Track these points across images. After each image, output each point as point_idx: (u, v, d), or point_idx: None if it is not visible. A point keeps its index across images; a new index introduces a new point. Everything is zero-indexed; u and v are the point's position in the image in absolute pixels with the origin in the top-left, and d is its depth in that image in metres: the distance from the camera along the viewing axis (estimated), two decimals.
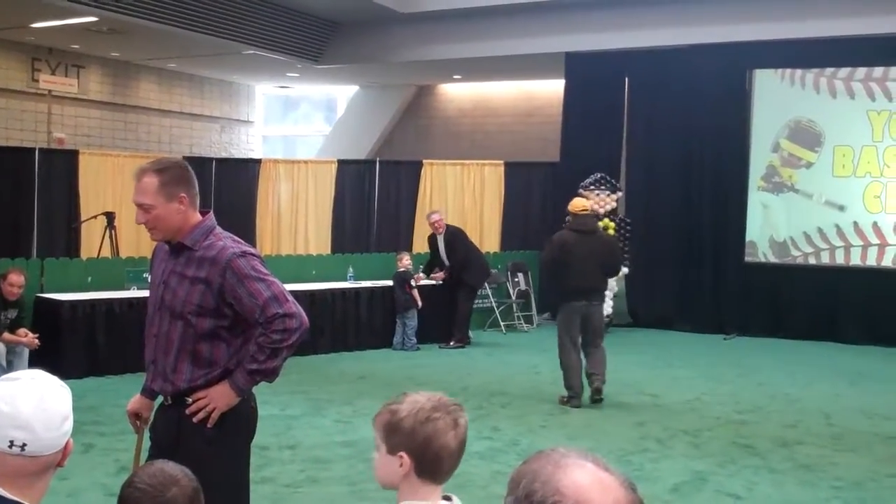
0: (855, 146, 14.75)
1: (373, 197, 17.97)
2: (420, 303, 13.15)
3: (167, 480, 2.41)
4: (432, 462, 2.33)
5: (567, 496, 1.45)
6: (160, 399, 3.88)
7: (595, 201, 15.38)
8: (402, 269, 13.32)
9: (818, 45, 14.63)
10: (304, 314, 3.68)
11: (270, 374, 3.69)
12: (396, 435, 2.34)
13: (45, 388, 2.13)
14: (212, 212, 3.86)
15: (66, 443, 2.15)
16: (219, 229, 3.83)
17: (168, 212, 3.72)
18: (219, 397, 3.67)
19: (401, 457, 2.33)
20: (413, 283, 13.26)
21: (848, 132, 14.79)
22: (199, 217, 3.82)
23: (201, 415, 3.66)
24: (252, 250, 3.77)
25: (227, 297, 3.65)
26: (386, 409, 2.39)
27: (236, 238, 3.82)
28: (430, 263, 13.89)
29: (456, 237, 13.68)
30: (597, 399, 9.63)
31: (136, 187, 3.74)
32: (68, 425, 2.14)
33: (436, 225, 13.79)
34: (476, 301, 14.25)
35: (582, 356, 9.71)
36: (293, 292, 11.82)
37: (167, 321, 3.75)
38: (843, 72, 14.84)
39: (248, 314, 3.65)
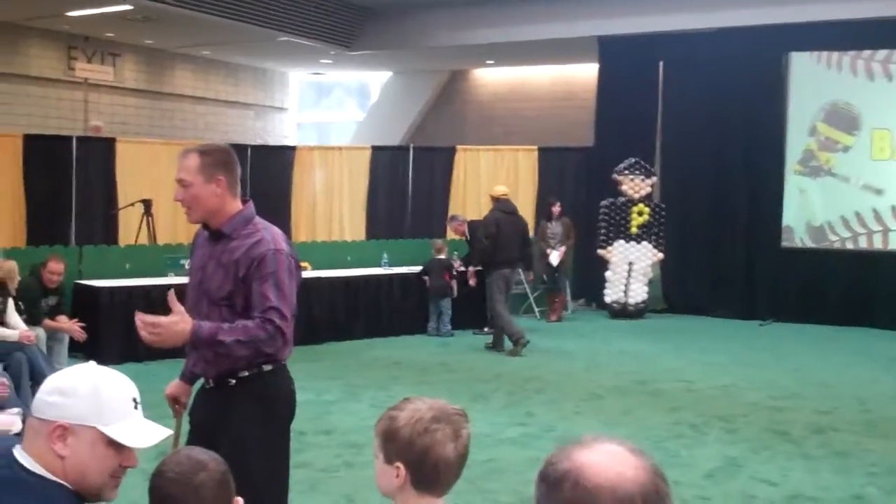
0: (893, 129, 14.62)
1: (407, 183, 18.01)
2: (456, 291, 13.21)
3: (195, 466, 2.43)
4: (429, 474, 2.23)
5: (574, 461, 1.51)
6: (199, 383, 3.97)
7: (629, 186, 15.37)
8: (442, 258, 13.37)
9: (855, 26, 14.50)
10: (291, 336, 3.76)
11: (227, 353, 3.67)
12: (393, 444, 2.26)
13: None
14: (251, 201, 3.93)
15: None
16: (258, 219, 3.89)
17: (205, 192, 3.80)
18: (170, 336, 3.57)
19: (397, 467, 2.25)
20: (454, 271, 13.34)
21: (886, 115, 14.66)
22: (239, 205, 3.89)
23: (143, 333, 3.55)
24: (285, 247, 3.81)
25: (245, 284, 3.72)
26: (386, 415, 2.31)
27: (274, 229, 3.88)
28: (468, 256, 13.99)
29: (475, 231, 13.72)
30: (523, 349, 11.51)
31: (179, 164, 3.85)
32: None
33: (458, 230, 13.92)
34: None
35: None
36: (328, 279, 11.81)
37: (205, 306, 3.82)
38: (881, 54, 14.70)
39: (252, 306, 3.72)
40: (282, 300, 3.71)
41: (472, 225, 13.75)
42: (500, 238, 11.67)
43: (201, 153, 3.84)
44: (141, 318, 3.55)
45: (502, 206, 11.97)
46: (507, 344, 11.95)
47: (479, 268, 12.47)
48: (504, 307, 11.80)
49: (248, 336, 3.66)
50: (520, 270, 12.88)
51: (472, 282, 12.72)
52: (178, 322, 3.59)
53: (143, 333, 3.56)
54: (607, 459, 1.51)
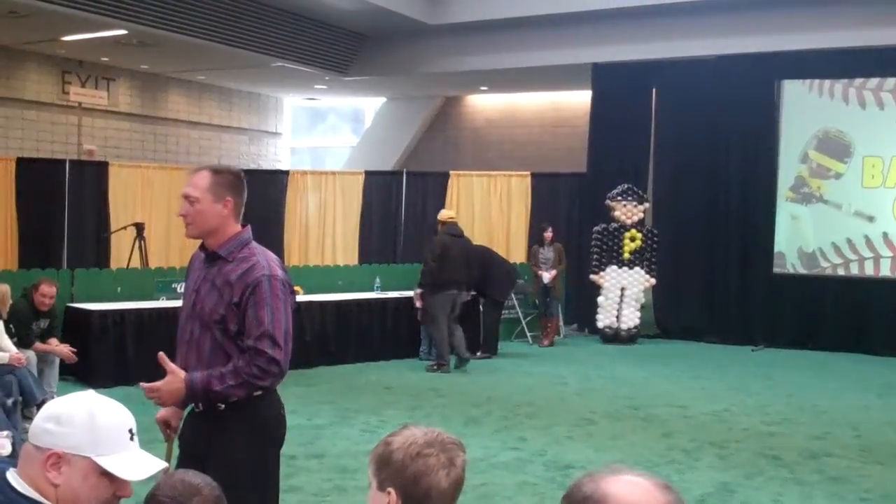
0: (885, 156, 14.67)
1: (400, 208, 18.02)
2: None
3: (189, 490, 2.41)
4: (420, 501, 2.17)
5: (599, 487, 1.49)
6: (190, 407, 3.93)
7: (622, 212, 15.37)
8: None
9: (847, 55, 14.58)
10: (286, 364, 3.72)
11: (224, 401, 3.71)
12: (386, 469, 2.20)
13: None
14: (249, 227, 3.93)
15: None
16: (254, 244, 3.89)
17: (211, 210, 3.80)
18: (168, 396, 3.76)
19: (388, 493, 2.18)
20: None
21: (877, 142, 14.71)
22: (238, 228, 3.89)
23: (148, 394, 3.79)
24: (279, 273, 3.80)
25: (239, 309, 3.72)
26: (381, 441, 2.28)
27: (269, 254, 3.87)
28: None
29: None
30: (462, 367, 12.15)
31: (189, 180, 3.86)
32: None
33: None
34: (504, 312, 14.24)
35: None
36: (320, 303, 11.76)
37: (198, 329, 3.80)
38: (873, 82, 14.77)
39: (245, 332, 3.71)
40: (276, 326, 3.69)
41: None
42: (446, 260, 12.08)
43: (214, 172, 3.86)
44: (143, 387, 3.79)
45: (449, 230, 12.45)
46: (478, 354, 11.96)
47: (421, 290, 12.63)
48: (444, 327, 12.19)
49: (238, 379, 3.66)
50: (516, 293, 13.00)
51: (417, 304, 12.80)
52: (173, 381, 3.73)
53: (150, 396, 3.81)
54: (632, 490, 1.50)
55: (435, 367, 12.22)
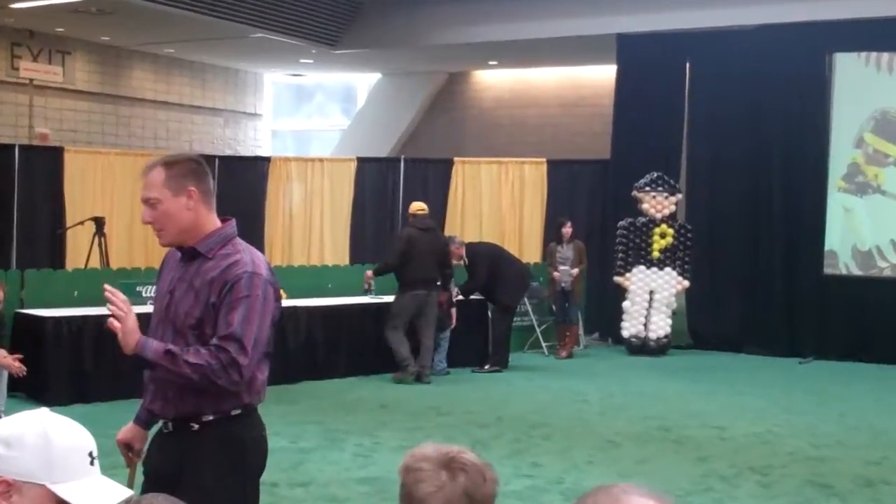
0: None
1: (397, 200, 18.04)
2: (454, 321, 13.21)
3: None
4: None
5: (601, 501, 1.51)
6: (157, 428, 3.94)
7: (651, 204, 15.38)
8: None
9: None
10: (248, 373, 3.72)
11: (175, 375, 3.71)
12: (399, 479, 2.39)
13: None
14: (233, 220, 3.95)
15: None
16: (239, 240, 3.91)
17: (175, 207, 3.81)
18: (130, 333, 3.70)
19: None
20: (452, 298, 13.32)
21: None
22: (217, 222, 3.91)
23: (111, 307, 3.75)
24: (264, 273, 3.82)
25: (214, 309, 3.73)
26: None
27: (256, 252, 3.89)
28: (465, 284, 14.00)
29: (474, 256, 13.71)
30: (422, 381, 12.35)
31: (143, 182, 3.87)
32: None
33: (455, 255, 13.88)
34: (515, 319, 14.26)
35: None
36: (306, 309, 11.76)
37: (170, 336, 3.81)
38: None
39: (215, 329, 3.72)
40: (246, 331, 3.70)
41: (472, 255, 13.74)
42: (412, 256, 12.30)
43: (166, 165, 3.86)
44: (111, 291, 3.72)
45: (417, 222, 12.68)
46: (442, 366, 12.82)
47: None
48: (400, 331, 12.40)
49: (198, 359, 3.68)
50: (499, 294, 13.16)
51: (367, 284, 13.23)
52: (131, 326, 3.73)
53: (111, 308, 3.73)
54: None
55: (400, 377, 12.38)
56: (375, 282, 13.84)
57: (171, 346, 3.70)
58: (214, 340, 3.69)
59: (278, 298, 3.89)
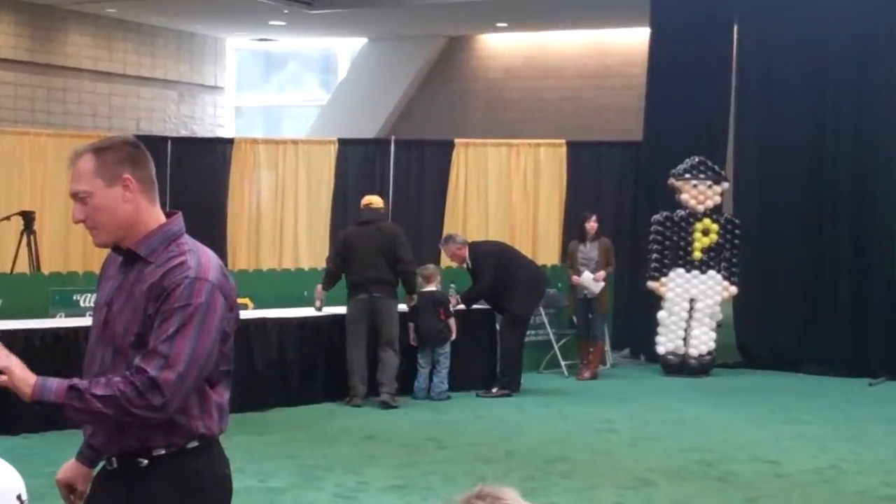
0: None
1: (386, 189, 18.01)
2: (454, 334, 13.23)
3: None
4: None
5: None
6: (101, 466, 3.94)
7: (691, 195, 15.38)
8: (433, 289, 13.38)
9: None
10: (176, 399, 3.65)
11: (87, 414, 3.67)
12: None
13: None
14: (179, 214, 3.92)
15: None
16: (187, 238, 3.86)
17: (110, 200, 3.77)
18: (21, 381, 3.63)
19: None
20: (451, 306, 13.34)
21: None
22: (160, 217, 3.88)
23: None
24: (212, 278, 3.76)
25: (152, 323, 3.71)
26: None
27: (206, 253, 3.83)
28: (470, 291, 14.01)
29: (479, 257, 13.71)
30: (385, 407, 12.43)
31: (71, 174, 3.82)
32: None
33: (456, 256, 13.88)
34: (528, 333, 14.27)
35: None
36: (277, 321, 11.68)
37: (110, 357, 3.79)
38: None
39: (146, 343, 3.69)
40: (176, 345, 3.65)
41: (477, 256, 13.73)
42: (350, 256, 12.66)
43: (96, 152, 3.81)
44: None
45: (358, 217, 13.29)
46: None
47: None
48: (352, 348, 12.56)
49: (107, 389, 3.61)
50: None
51: (411, 331, 13.16)
52: (17, 364, 3.65)
53: None
54: None
55: (348, 399, 12.61)
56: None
57: (75, 381, 3.62)
58: (136, 360, 3.66)
59: (234, 307, 3.87)
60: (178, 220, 3.90)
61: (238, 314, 3.93)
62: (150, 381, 3.60)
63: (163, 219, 3.87)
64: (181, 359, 3.64)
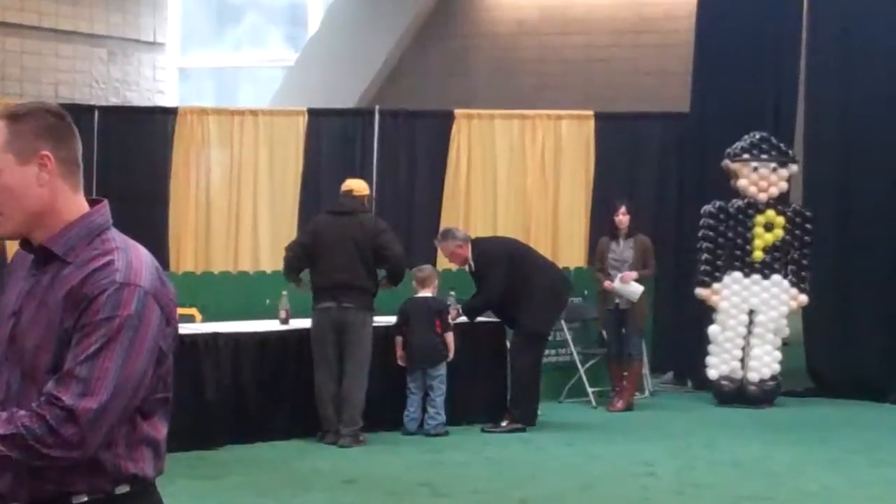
0: None
1: (369, 171, 18.00)
2: (452, 352, 13.21)
3: None
4: None
5: None
6: None
7: (751, 180, 15.37)
8: (427, 295, 13.36)
9: None
10: (97, 433, 3.60)
11: None
12: None
13: None
14: (105, 203, 3.89)
15: None
16: (114, 233, 3.84)
17: (21, 180, 3.74)
18: None
19: None
20: (450, 318, 13.33)
21: None
22: (83, 205, 3.86)
23: None
24: (146, 283, 3.73)
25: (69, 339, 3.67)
26: None
27: (137, 251, 3.81)
28: (473, 300, 13.99)
29: (485, 258, 13.68)
30: (343, 445, 12.43)
31: None
32: None
33: (455, 256, 13.84)
34: (546, 353, 14.27)
35: None
36: (233, 337, 11.68)
37: (18, 380, 3.78)
38: None
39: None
40: (97, 367, 3.62)
41: (482, 256, 13.70)
42: (319, 254, 12.75)
43: (9, 119, 3.79)
44: None
45: (334, 205, 13.35)
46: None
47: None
48: (322, 367, 12.63)
49: (9, 427, 3.57)
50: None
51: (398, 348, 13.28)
52: None
53: None
54: None
55: (320, 436, 12.69)
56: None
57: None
58: (47, 387, 3.62)
59: (173, 320, 3.85)
60: (104, 210, 3.86)
61: (177, 328, 3.90)
62: (65, 412, 3.53)
63: (85, 208, 3.83)
64: (104, 384, 3.58)
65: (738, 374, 15.34)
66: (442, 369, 13.20)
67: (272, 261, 17.35)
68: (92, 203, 3.84)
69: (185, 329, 11.95)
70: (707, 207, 15.56)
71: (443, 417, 13.18)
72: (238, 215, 18.42)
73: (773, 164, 15.46)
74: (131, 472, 3.75)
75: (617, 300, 14.72)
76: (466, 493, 10.75)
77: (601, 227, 15.79)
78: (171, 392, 3.82)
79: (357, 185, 13.34)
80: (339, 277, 12.45)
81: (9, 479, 3.79)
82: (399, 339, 13.20)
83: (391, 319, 13.43)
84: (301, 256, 12.76)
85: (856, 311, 15.92)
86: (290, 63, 23.22)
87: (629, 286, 14.57)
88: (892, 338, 15.78)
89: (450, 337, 13.21)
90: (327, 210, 13.28)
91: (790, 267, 15.43)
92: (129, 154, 17.96)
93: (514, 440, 13.03)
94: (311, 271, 12.71)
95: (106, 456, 3.68)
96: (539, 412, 13.77)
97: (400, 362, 13.14)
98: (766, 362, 15.33)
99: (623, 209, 14.89)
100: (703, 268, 15.49)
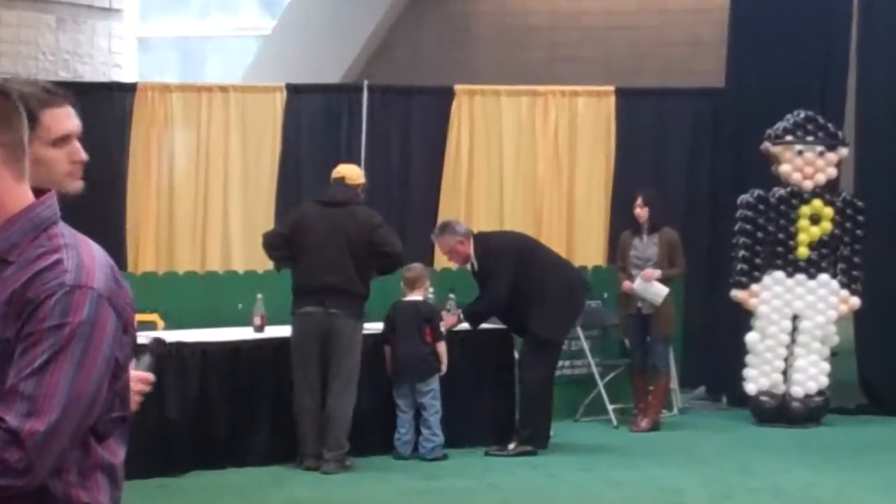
0: None
1: (356, 156, 18.02)
2: (445, 364, 13.19)
3: None
4: None
5: None
6: None
7: (795, 166, 15.37)
8: (416, 299, 13.36)
9: None
10: (41, 468, 3.61)
11: None
12: None
13: None
14: (53, 193, 3.89)
15: None
16: (61, 227, 3.83)
17: None
18: None
19: None
20: (442, 326, 13.32)
21: None
22: (28, 196, 3.85)
23: None
24: (99, 284, 3.72)
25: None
26: None
27: (87, 247, 3.81)
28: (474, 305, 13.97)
29: (490, 256, 13.67)
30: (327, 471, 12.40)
31: None
32: None
33: (455, 253, 13.82)
34: (559, 364, 14.27)
35: None
36: (200, 347, 11.66)
37: None
38: None
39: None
40: (49, 385, 3.61)
41: (487, 254, 13.68)
42: (303, 247, 12.79)
43: None
44: None
45: (322, 194, 13.35)
46: None
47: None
48: (300, 393, 12.65)
49: None
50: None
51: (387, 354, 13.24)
52: None
53: None
54: None
55: (299, 461, 12.72)
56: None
57: None
58: None
59: (131, 327, 3.84)
60: (51, 201, 3.84)
61: (135, 336, 3.89)
62: (9, 434, 3.49)
63: (30, 200, 3.83)
64: (53, 402, 3.54)
65: (780, 389, 15.35)
66: (433, 384, 13.17)
67: (245, 259, 17.40)
68: (37, 194, 3.83)
69: (145, 338, 11.99)
70: (744, 197, 15.56)
71: (440, 439, 13.16)
72: (206, 207, 18.42)
73: (819, 148, 15.47)
74: (83, 502, 3.74)
75: (639, 304, 14.72)
76: None
77: (623, 221, 15.79)
78: (129, 410, 3.80)
79: (351, 173, 13.38)
80: (326, 279, 12.37)
81: None
82: (388, 350, 13.20)
83: (379, 326, 13.45)
84: (280, 246, 12.85)
85: None
86: (266, 32, 23.25)
87: (651, 286, 14.56)
88: None
89: (441, 347, 13.18)
90: (315, 199, 13.18)
91: (840, 265, 15.43)
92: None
93: (523, 465, 13.04)
94: (293, 270, 12.70)
95: (55, 484, 3.63)
96: (551, 433, 13.79)
97: (389, 375, 13.14)
98: (811, 375, 15.34)
99: (639, 201, 14.86)
100: (739, 266, 15.49)
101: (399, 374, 13.19)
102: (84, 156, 4.31)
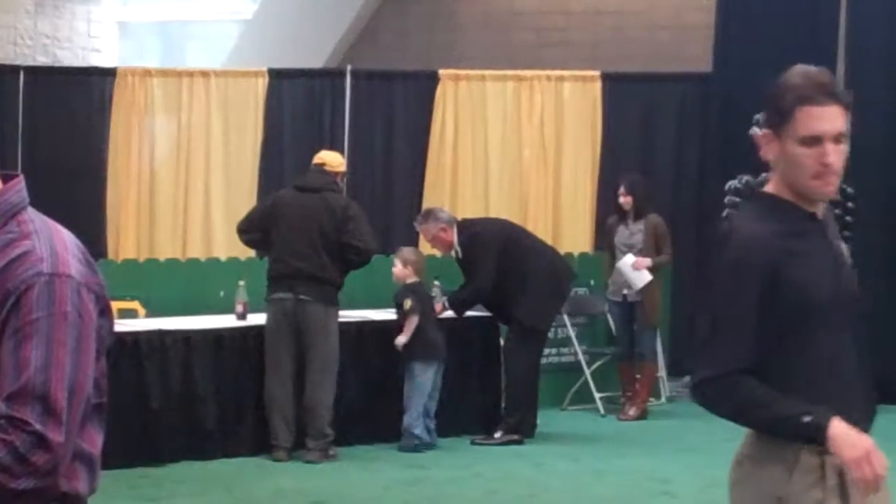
0: None
1: (339, 142, 18.00)
2: (406, 336, 13.17)
3: None
4: None
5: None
6: None
7: None
8: (408, 280, 13.33)
9: None
10: (66, 456, 3.58)
11: None
12: None
13: None
14: (21, 178, 3.86)
15: None
16: (30, 213, 3.81)
17: None
18: None
19: None
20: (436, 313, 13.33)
21: None
22: None
23: None
24: (75, 271, 3.70)
25: None
26: None
27: (59, 234, 3.78)
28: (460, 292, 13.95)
29: (474, 243, 13.66)
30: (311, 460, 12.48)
31: None
32: None
33: (438, 240, 13.81)
34: (546, 352, 14.27)
35: None
36: (183, 335, 11.66)
37: None
38: None
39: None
40: (53, 377, 3.60)
41: (471, 243, 13.66)
42: (276, 232, 12.85)
43: None
44: None
45: (298, 179, 13.54)
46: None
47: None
48: (272, 382, 12.68)
49: None
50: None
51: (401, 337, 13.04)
52: None
53: None
54: None
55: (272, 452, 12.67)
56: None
57: None
58: (3, 406, 3.58)
59: (108, 309, 3.82)
60: (20, 187, 3.81)
61: (111, 323, 3.87)
62: (36, 437, 3.46)
63: None
64: (62, 396, 3.53)
65: None
66: (428, 372, 13.17)
67: (227, 246, 17.37)
68: (5, 179, 3.79)
69: (126, 326, 11.97)
70: (732, 183, 15.57)
71: (426, 429, 13.14)
72: (187, 193, 18.41)
73: None
74: (61, 491, 3.71)
75: (625, 291, 14.71)
76: None
77: (609, 207, 15.78)
78: (105, 397, 3.77)
79: (331, 159, 13.41)
80: (297, 265, 12.46)
81: None
82: (403, 333, 13.12)
83: (365, 314, 13.45)
84: (247, 229, 13.02)
85: None
86: (248, 16, 23.21)
87: (637, 273, 14.55)
88: None
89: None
90: (293, 184, 13.21)
91: None
92: (60, 122, 17.94)
93: (509, 454, 13.04)
94: (268, 256, 12.83)
95: None
96: (538, 421, 13.79)
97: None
98: None
99: (622, 189, 14.85)
100: None
101: (431, 354, 13.15)
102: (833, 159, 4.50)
